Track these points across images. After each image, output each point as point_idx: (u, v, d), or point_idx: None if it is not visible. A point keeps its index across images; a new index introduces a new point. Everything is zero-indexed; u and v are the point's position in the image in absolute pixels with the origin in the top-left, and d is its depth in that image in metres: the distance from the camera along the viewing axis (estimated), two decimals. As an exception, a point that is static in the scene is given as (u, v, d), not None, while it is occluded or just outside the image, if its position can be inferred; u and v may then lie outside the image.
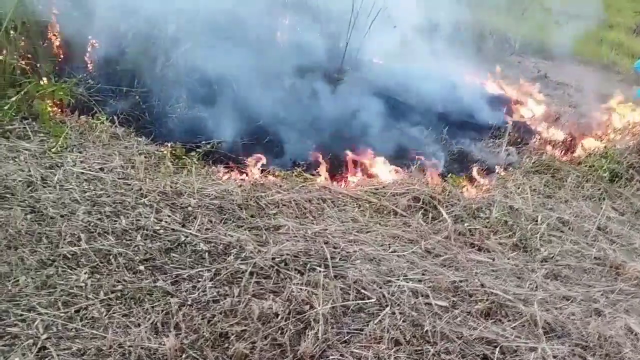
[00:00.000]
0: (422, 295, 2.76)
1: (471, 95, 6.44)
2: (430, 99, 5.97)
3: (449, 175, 4.23)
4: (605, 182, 4.30)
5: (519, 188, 4.11)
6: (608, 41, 12.65)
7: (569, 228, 3.68)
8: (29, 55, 4.41)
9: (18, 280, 2.43)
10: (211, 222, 3.17)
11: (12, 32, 4.30)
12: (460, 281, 2.91)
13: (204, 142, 4.18)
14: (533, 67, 9.56)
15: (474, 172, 4.39)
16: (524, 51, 10.78)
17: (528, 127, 5.70)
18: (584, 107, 6.75)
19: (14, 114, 3.98)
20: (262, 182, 3.77)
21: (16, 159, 3.47)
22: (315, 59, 6.25)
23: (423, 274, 2.95)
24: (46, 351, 2.11)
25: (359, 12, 6.06)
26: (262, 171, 3.99)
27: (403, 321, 2.56)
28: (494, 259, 3.23)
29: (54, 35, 4.63)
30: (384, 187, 3.89)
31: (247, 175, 3.89)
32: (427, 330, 2.53)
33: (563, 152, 4.91)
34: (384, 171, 4.15)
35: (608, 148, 4.81)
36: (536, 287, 3.02)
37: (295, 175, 3.94)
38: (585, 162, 4.61)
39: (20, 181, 3.19)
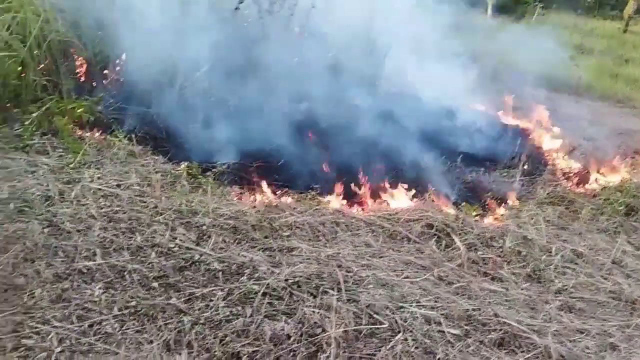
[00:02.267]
0: (434, 323, 2.73)
1: (486, 125, 6.47)
2: (444, 128, 6.01)
3: (462, 204, 4.21)
4: (620, 216, 4.26)
5: (532, 219, 4.09)
6: (623, 76, 12.67)
7: (584, 260, 3.64)
8: (51, 73, 4.51)
9: (34, 293, 2.45)
10: (225, 241, 3.18)
11: (35, 50, 4.39)
12: (473, 310, 2.89)
13: (219, 162, 4.23)
14: (547, 99, 9.57)
15: (488, 201, 4.38)
16: (539, 84, 10.81)
17: (542, 158, 5.69)
18: (598, 141, 6.73)
19: (34, 129, 4.06)
20: (275, 204, 3.79)
21: (35, 174, 3.52)
22: (333, 84, 6.33)
23: (436, 301, 2.93)
24: (59, 364, 2.12)
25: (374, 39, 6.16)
26: (275, 193, 4.01)
27: (415, 348, 2.54)
28: (507, 289, 3.21)
29: (76, 53, 4.72)
30: (397, 212, 3.89)
31: (261, 196, 3.91)
32: (439, 358, 2.50)
33: (577, 184, 4.89)
34: (398, 197, 4.15)
35: (624, 181, 4.79)
36: (550, 318, 2.98)
37: (309, 199, 3.96)
38: (600, 195, 4.59)
39: (38, 195, 3.23)
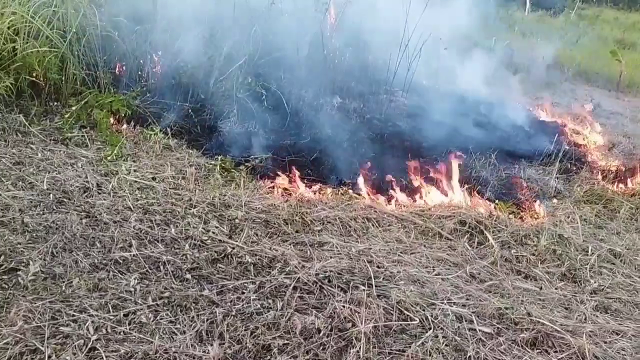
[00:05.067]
0: (465, 320, 2.71)
1: (522, 121, 6.38)
2: (480, 123, 5.94)
3: (496, 201, 4.16)
4: (661, 216, 4.16)
5: (568, 217, 4.01)
6: (665, 72, 12.27)
7: (621, 260, 3.56)
8: (90, 67, 4.61)
9: (72, 282, 2.52)
10: (257, 235, 3.21)
11: (75, 44, 4.50)
12: (506, 308, 2.85)
13: (252, 156, 4.26)
14: (586, 95, 9.34)
15: (523, 199, 4.31)
16: (578, 79, 10.58)
17: (580, 155, 5.58)
18: (638, 138, 6.56)
19: (74, 122, 4.16)
20: (307, 198, 3.81)
21: (74, 165, 3.62)
22: (366, 79, 6.32)
23: (467, 299, 2.90)
24: (96, 352, 2.17)
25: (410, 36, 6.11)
26: (308, 187, 4.02)
27: (446, 345, 2.52)
28: (541, 288, 3.16)
29: (114, 48, 4.81)
30: (429, 209, 3.87)
31: (293, 190, 3.93)
32: (470, 356, 2.48)
33: (616, 182, 4.77)
34: (431, 193, 4.12)
35: (664, 180, 4.67)
36: (585, 319, 2.93)
37: (342, 193, 3.97)
38: (639, 193, 4.47)
39: (77, 187, 3.32)
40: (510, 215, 3.99)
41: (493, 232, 3.64)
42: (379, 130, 5.28)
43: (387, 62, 6.18)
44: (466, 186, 4.21)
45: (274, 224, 3.37)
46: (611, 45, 13.49)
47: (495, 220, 3.76)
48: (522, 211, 4.15)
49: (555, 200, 4.37)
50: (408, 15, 6.47)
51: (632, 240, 3.83)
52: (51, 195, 3.18)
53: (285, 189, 3.94)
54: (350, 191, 4.00)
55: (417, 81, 6.72)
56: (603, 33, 15.54)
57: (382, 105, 5.92)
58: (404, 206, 3.92)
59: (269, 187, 3.90)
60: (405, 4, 5.89)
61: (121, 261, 2.73)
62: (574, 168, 5.09)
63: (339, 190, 4.02)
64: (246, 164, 4.14)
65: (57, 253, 2.68)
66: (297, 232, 3.34)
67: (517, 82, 8.63)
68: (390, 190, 4.11)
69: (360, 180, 4.12)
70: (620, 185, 4.76)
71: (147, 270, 2.70)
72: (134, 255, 2.79)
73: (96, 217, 3.06)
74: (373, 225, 3.55)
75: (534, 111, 7.17)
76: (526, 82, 9.02)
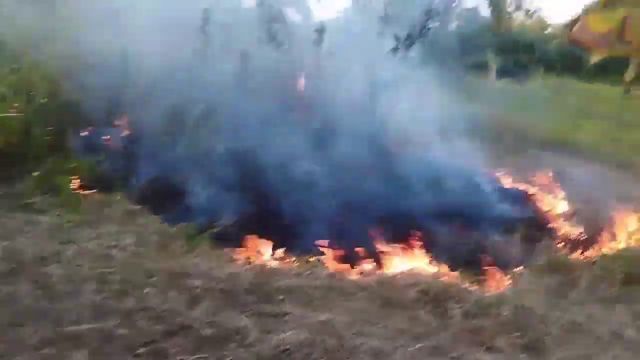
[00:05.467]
0: (426, 396, 2.67)
1: (487, 188, 6.49)
2: (446, 191, 6.02)
3: (460, 269, 4.17)
4: (619, 285, 4.19)
5: (531, 286, 4.04)
6: (626, 140, 12.71)
7: (582, 331, 3.57)
8: (57, 132, 4.60)
9: None
10: (216, 305, 3.15)
11: (42, 110, 4.51)
12: (467, 382, 2.82)
13: (216, 222, 4.24)
14: (551, 162, 9.59)
15: (486, 268, 4.34)
16: (543, 146, 10.85)
17: (543, 222, 5.67)
18: (600, 206, 6.70)
19: (36, 187, 4.11)
20: (271, 266, 3.78)
21: (32, 233, 3.55)
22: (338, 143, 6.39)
23: (429, 373, 2.86)
24: None
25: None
26: (272, 254, 4.00)
27: (405, 423, 2.46)
28: (503, 360, 3.13)
29: (81, 114, 4.83)
30: (394, 277, 3.86)
31: (256, 258, 3.89)
32: None
33: (578, 250, 4.84)
34: (396, 260, 4.13)
35: (624, 249, 4.74)
36: (547, 392, 2.90)
37: (306, 261, 3.94)
38: (599, 263, 4.53)
39: (32, 255, 3.24)
40: (474, 284, 4.00)
41: (456, 301, 3.63)
42: (350, 195, 5.31)
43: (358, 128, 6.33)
44: (431, 254, 4.23)
45: (235, 293, 3.31)
46: (575, 113, 14.01)
47: (459, 289, 3.75)
48: (485, 280, 4.16)
49: (518, 269, 4.40)
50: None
51: (593, 310, 3.85)
52: (3, 264, 3.10)
53: (248, 256, 3.90)
54: (316, 258, 3.98)
55: (388, 147, 6.86)
56: (568, 102, 16.14)
57: (355, 170, 5.97)
58: (369, 274, 3.90)
59: (231, 255, 3.87)
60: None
61: (72, 336, 2.64)
62: (537, 235, 5.15)
63: (304, 257, 4.00)
64: (210, 230, 4.11)
65: (2, 329, 2.59)
66: (257, 301, 3.28)
67: (483, 149, 8.86)
68: (356, 258, 4.10)
69: (327, 246, 4.11)
70: (582, 253, 4.82)
71: (98, 346, 2.61)
72: (86, 329, 2.70)
73: (50, 287, 2.98)
74: (336, 295, 3.51)
75: (499, 178, 7.31)
76: (492, 149, 9.26)
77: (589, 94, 18.79)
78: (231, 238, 4.13)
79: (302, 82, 6.06)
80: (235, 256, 3.88)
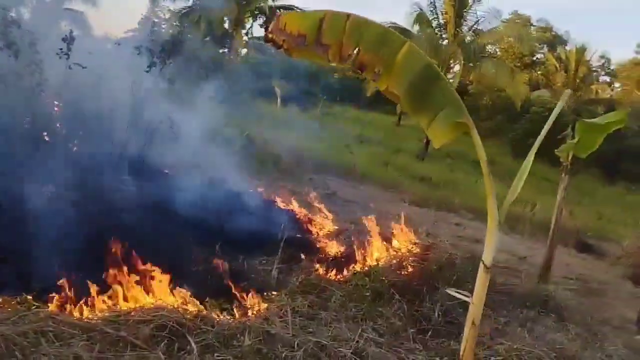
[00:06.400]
0: None
1: (255, 210, 6.33)
2: (209, 212, 5.72)
3: (207, 298, 3.87)
4: (367, 302, 4.26)
5: (281, 310, 3.90)
6: (394, 164, 13.88)
7: (326, 354, 3.48)
8: None
9: None
10: None
11: None
12: None
13: None
14: (324, 185, 9.92)
15: (240, 294, 4.10)
16: (319, 169, 11.22)
17: (309, 243, 5.67)
18: (365, 225, 6.97)
19: None
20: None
21: None
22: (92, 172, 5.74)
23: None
24: None
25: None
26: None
27: None
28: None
29: None
30: (127, 313, 3.41)
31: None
32: None
33: (333, 270, 4.86)
34: (135, 295, 3.68)
35: (372, 267, 4.85)
36: None
37: (19, 302, 3.32)
38: (351, 281, 4.58)
39: None
40: (223, 313, 3.73)
41: (197, 334, 3.32)
42: (94, 225, 4.69)
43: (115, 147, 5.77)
44: (176, 284, 3.86)
45: None
46: (351, 139, 14.92)
47: (201, 321, 3.45)
48: (236, 307, 3.92)
49: (272, 293, 4.25)
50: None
51: (340, 330, 3.82)
52: None
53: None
54: (31, 299, 3.37)
55: (150, 167, 6.40)
56: (345, 129, 17.20)
57: (105, 195, 5.38)
58: (97, 313, 3.40)
59: None
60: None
61: None
62: (299, 257, 5.10)
63: (17, 299, 3.36)
64: None
65: None
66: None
67: (259, 171, 8.83)
68: (87, 295, 3.56)
69: (50, 285, 3.51)
70: (337, 272, 4.85)
71: None
72: None
73: None
74: (48, 341, 2.96)
75: (270, 200, 7.25)
76: (269, 172, 9.30)
77: (365, 122, 20.36)
78: None
79: (43, 95, 5.34)
80: None
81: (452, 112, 2.41)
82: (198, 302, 3.75)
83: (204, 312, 3.60)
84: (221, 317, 3.66)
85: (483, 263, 2.57)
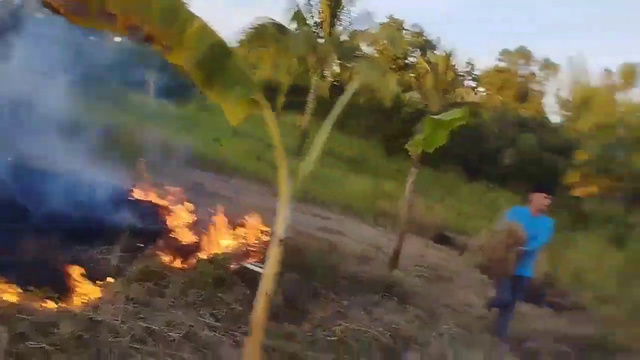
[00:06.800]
0: None
1: (104, 201, 6.07)
2: (50, 202, 5.40)
3: (33, 288, 3.65)
4: (209, 288, 4.23)
5: (114, 297, 3.77)
6: (266, 159, 13.86)
7: (154, 338, 3.42)
8: None
9: None
10: None
11: None
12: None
13: None
14: (190, 178, 9.71)
15: (72, 282, 3.92)
16: (187, 163, 10.93)
17: (157, 233, 5.53)
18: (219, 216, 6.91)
19: None
20: None
21: None
22: None
23: None
24: None
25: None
26: None
27: None
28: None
29: None
30: None
31: None
32: None
33: (178, 258, 4.78)
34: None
35: (217, 254, 4.84)
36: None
37: None
38: (195, 269, 4.53)
39: None
40: (45, 302, 3.54)
41: (9, 323, 3.12)
42: None
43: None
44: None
45: None
46: (224, 133, 14.74)
47: (17, 310, 3.25)
48: (66, 295, 3.74)
49: (107, 280, 4.11)
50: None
51: (175, 316, 3.77)
52: None
53: None
54: None
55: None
56: (220, 123, 16.91)
57: None
58: None
59: None
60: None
61: None
62: (143, 246, 4.96)
63: None
64: None
65: None
66: None
67: (120, 163, 8.47)
68: None
69: None
70: (183, 261, 4.78)
71: None
72: None
73: None
74: None
75: (124, 191, 6.98)
76: (131, 164, 8.95)
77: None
78: None
79: None
80: None
81: (243, 89, 2.46)
82: (18, 292, 3.53)
83: (25, 301, 3.40)
84: (43, 305, 3.48)
85: (275, 236, 2.64)
